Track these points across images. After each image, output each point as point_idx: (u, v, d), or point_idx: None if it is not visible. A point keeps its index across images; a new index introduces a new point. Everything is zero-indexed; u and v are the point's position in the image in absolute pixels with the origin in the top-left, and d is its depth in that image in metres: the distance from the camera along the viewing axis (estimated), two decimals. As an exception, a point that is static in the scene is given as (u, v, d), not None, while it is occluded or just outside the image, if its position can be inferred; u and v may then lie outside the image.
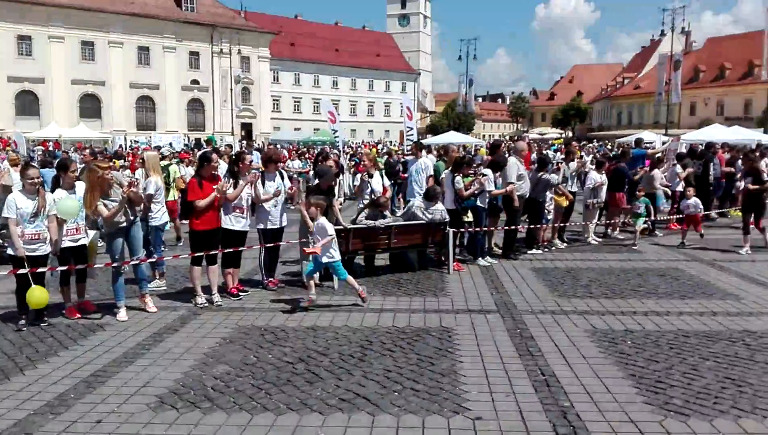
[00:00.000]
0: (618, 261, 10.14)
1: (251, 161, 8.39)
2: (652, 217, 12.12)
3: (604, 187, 11.89)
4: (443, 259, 9.52)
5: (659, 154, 14.55)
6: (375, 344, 5.90)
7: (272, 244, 8.13)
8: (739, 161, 15.48)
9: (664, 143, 21.81)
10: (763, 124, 32.92)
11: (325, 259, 7.26)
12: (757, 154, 16.29)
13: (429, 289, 8.19)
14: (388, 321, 6.69)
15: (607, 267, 9.65)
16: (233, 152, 13.04)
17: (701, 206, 11.88)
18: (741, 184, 12.77)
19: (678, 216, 13.16)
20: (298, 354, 5.63)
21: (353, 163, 21.87)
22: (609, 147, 36.92)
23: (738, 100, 64.79)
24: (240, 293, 7.77)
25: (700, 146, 17.52)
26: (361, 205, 9.60)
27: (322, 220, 7.35)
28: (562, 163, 12.55)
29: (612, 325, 6.52)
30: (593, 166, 12.30)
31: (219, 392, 4.79)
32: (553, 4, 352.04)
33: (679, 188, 13.23)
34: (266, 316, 6.94)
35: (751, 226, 10.90)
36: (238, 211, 7.64)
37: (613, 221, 12.45)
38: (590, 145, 40.12)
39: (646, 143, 23.31)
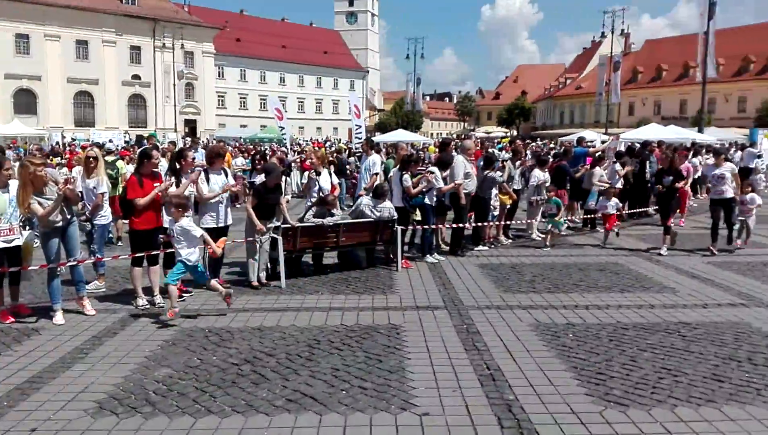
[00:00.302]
0: (560, 256, 10.39)
1: (194, 158, 8.17)
2: (564, 216, 12.17)
3: (547, 185, 12.15)
4: (392, 256, 9.55)
5: (600, 153, 15.00)
6: (323, 343, 5.86)
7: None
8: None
9: (603, 142, 22.48)
10: (697, 124, 34.26)
11: (187, 258, 6.67)
12: (691, 152, 17.01)
13: (377, 287, 8.20)
14: (337, 319, 6.66)
15: (550, 262, 9.88)
16: (175, 149, 12.72)
17: (620, 205, 12.18)
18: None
19: (618, 212, 13.59)
20: (244, 355, 5.54)
21: (300, 159, 21.72)
22: (552, 145, 37.84)
23: (674, 100, 67.49)
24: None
25: (638, 145, 18.11)
26: (309, 203, 9.54)
27: (184, 221, 6.71)
28: (507, 161, 12.79)
29: (555, 319, 6.67)
30: (535, 163, 12.56)
31: (161, 396, 4.66)
32: (498, 5, 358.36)
33: (619, 185, 13.64)
34: (210, 317, 6.79)
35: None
36: (181, 209, 7.45)
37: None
38: (533, 143, 41.00)
39: (588, 142, 23.96)
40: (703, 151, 21.27)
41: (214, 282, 7.01)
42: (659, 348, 5.72)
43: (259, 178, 8.91)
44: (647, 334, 6.14)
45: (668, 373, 5.09)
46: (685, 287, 8.19)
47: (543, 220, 11.66)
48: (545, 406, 4.43)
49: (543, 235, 11.57)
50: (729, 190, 10.59)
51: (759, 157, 22.75)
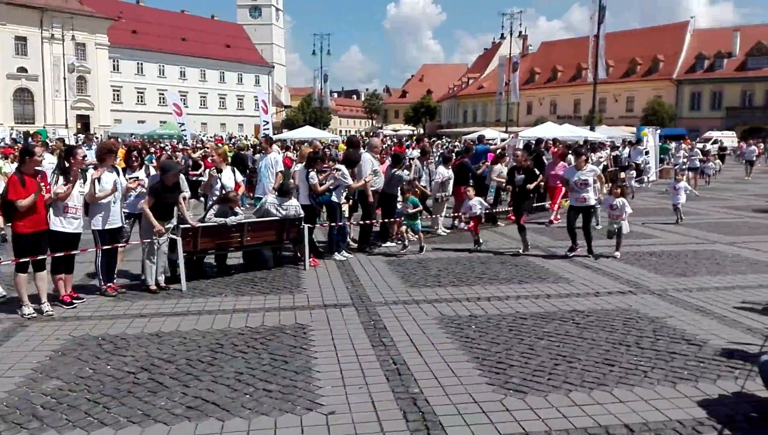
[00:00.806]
0: (465, 250, 10.67)
1: (84, 156, 7.67)
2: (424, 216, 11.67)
3: (451, 181, 12.46)
4: (299, 255, 9.44)
5: (500, 150, 15.56)
6: (226, 347, 5.69)
7: (110, 246, 7.53)
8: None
9: (503, 140, 23.35)
10: (589, 122, 36.27)
11: None
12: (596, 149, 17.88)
13: (284, 287, 8.08)
14: (241, 322, 6.49)
15: (455, 257, 10.12)
16: (64, 146, 11.97)
17: (485, 204, 11.54)
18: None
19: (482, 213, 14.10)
20: (141, 363, 5.28)
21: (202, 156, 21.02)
22: (456, 143, 38.84)
23: (568, 100, 71.22)
24: (74, 301, 7.12)
25: (533, 142, 18.95)
26: (210, 202, 9.24)
27: None
28: (414, 160, 12.98)
29: (458, 312, 6.84)
30: (441, 161, 12.84)
31: (50, 410, 4.36)
32: (402, 3, 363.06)
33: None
34: (104, 324, 6.43)
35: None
36: (70, 211, 6.99)
37: (459, 213, 13.10)
38: (438, 141, 41.98)
39: (488, 140, 24.78)
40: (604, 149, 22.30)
41: None
42: (555, 336, 5.99)
43: (138, 175, 8.48)
44: (544, 323, 6.42)
45: (563, 359, 5.34)
46: (579, 277, 8.63)
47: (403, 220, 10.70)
48: (449, 398, 4.52)
49: (407, 239, 10.60)
50: (592, 198, 10.00)
51: (646, 153, 24.38)
